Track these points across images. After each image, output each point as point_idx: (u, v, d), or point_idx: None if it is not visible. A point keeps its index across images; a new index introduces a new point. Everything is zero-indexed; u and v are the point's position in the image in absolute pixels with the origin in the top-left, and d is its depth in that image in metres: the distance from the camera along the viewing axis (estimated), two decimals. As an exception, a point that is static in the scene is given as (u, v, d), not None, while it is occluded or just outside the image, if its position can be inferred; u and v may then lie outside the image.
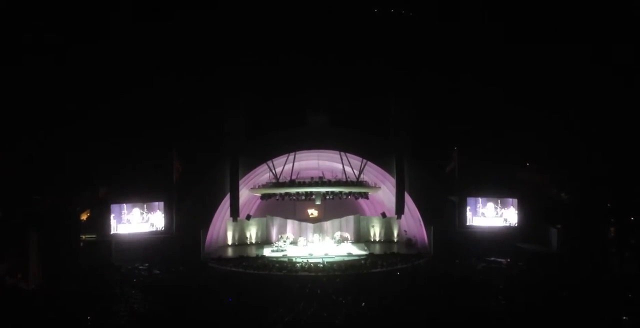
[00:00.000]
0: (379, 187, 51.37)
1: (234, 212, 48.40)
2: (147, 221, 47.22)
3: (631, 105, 54.60)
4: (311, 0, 64.44)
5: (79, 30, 57.65)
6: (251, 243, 52.46)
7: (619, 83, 55.94)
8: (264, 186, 50.91)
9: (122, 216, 46.56)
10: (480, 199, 48.99)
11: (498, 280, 40.56)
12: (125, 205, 46.65)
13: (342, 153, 49.74)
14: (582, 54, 58.63)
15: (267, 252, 49.93)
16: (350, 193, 50.98)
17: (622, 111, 54.61)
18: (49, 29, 55.75)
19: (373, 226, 53.53)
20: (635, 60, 55.73)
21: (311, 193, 50.33)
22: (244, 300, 35.76)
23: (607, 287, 37.02)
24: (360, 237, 53.59)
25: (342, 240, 51.65)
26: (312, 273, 43.36)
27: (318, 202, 50.23)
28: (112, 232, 46.29)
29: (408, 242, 51.70)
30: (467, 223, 48.99)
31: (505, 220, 48.50)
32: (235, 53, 62.09)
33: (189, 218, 47.77)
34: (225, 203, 48.55)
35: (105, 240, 46.08)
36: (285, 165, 49.99)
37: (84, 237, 45.26)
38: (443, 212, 49.29)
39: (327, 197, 50.71)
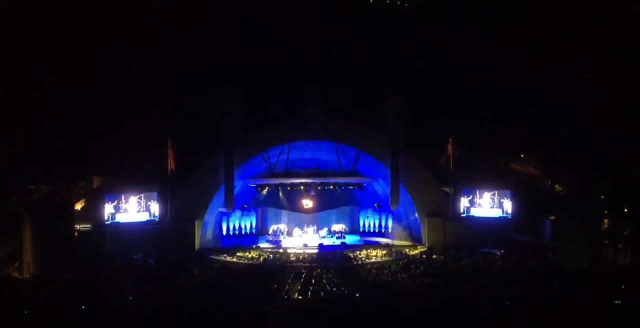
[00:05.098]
0: (374, 178, 51.44)
1: (229, 202, 48.37)
2: (144, 210, 46.97)
3: (624, 97, 54.83)
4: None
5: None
6: (246, 233, 52.42)
7: (613, 77, 56.21)
8: (259, 176, 50.97)
9: (120, 205, 46.36)
10: (476, 190, 48.98)
11: (492, 272, 40.83)
12: (123, 195, 46.35)
13: (337, 144, 49.76)
14: (575, 49, 58.91)
15: (261, 242, 50.07)
16: (344, 184, 51.17)
17: (617, 104, 54.80)
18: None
19: (368, 217, 53.57)
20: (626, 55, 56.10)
21: (306, 184, 50.48)
22: (238, 291, 35.88)
23: (600, 279, 37.18)
24: (355, 228, 53.64)
25: (337, 231, 51.69)
26: (307, 264, 43.50)
27: (312, 193, 50.62)
28: (106, 222, 46.10)
29: (403, 233, 51.76)
30: (462, 215, 49.07)
31: (500, 211, 48.58)
32: (233, 46, 62.17)
33: (184, 209, 47.70)
34: (220, 193, 48.49)
35: (100, 230, 45.93)
36: (280, 156, 49.98)
37: (78, 227, 45.16)
38: (437, 204, 49.35)
39: (323, 188, 50.90)
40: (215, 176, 48.27)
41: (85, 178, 51.91)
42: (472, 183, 49.28)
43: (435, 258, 45.37)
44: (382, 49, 63.80)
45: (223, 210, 50.02)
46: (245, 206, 51.84)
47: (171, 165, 46.59)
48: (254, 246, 48.85)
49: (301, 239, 50.09)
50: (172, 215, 47.44)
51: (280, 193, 51.78)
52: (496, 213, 48.74)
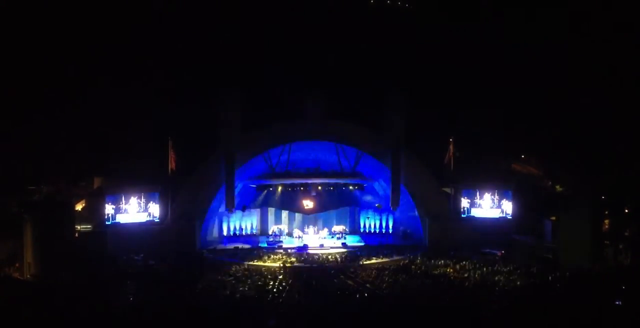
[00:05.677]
0: (375, 179, 51.41)
1: (230, 202, 48.37)
2: (144, 211, 46.95)
3: (624, 98, 54.85)
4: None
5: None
6: (246, 234, 52.46)
7: (615, 79, 56.25)
8: (260, 177, 50.94)
9: (120, 206, 46.33)
10: (476, 191, 48.94)
11: (492, 272, 40.83)
12: (123, 196, 46.31)
13: (338, 144, 49.74)
14: (578, 51, 58.93)
15: (262, 243, 50.05)
16: (345, 184, 51.15)
17: (617, 105, 54.82)
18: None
19: (368, 218, 53.55)
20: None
21: (307, 184, 50.45)
22: (238, 291, 35.88)
23: (601, 279, 37.16)
24: (356, 229, 53.62)
25: (338, 232, 51.65)
26: (307, 265, 43.47)
27: (313, 193, 50.67)
28: (107, 223, 46.07)
29: (403, 234, 51.77)
30: (462, 215, 49.05)
31: (500, 211, 48.57)
32: (233, 46, 62.16)
33: (185, 209, 47.69)
34: (221, 194, 48.48)
35: (101, 231, 45.87)
36: (280, 156, 49.97)
37: (79, 227, 45.13)
38: (438, 204, 49.33)
39: (324, 188, 50.91)
40: (216, 176, 48.26)
41: (86, 178, 51.82)
42: (472, 184, 49.25)
43: (436, 258, 45.27)
44: (383, 49, 63.78)
45: (223, 210, 50.03)
46: (246, 207, 51.82)
47: (172, 165, 46.56)
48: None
49: (301, 240, 50.03)
50: (172, 216, 47.40)
51: (281, 193, 51.75)
52: (496, 213, 48.71)
